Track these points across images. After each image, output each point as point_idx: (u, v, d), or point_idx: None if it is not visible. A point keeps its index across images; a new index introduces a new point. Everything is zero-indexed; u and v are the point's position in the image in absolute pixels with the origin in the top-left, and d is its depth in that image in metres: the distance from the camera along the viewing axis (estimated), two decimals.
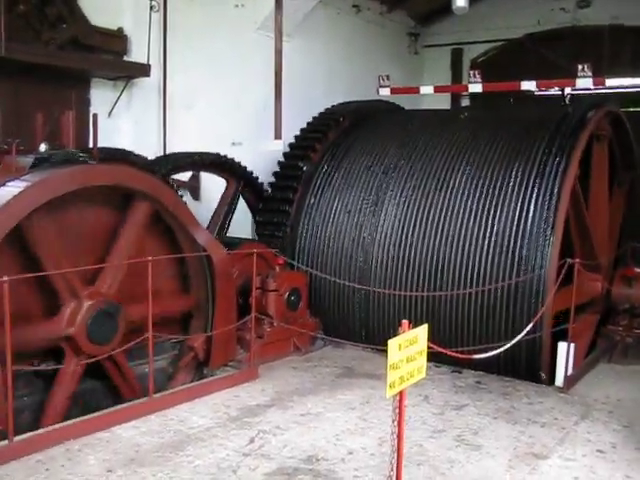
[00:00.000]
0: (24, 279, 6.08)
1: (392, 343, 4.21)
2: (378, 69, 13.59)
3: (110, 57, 10.71)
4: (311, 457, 5.85)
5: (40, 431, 5.93)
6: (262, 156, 11.27)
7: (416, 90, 12.75)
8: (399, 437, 4.47)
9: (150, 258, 6.46)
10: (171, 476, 5.45)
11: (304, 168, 10.19)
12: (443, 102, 15.47)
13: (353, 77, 14.80)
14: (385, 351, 4.16)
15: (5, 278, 5.33)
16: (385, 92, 12.26)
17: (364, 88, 13.15)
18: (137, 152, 9.99)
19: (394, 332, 4.37)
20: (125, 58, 10.95)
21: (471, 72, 11.70)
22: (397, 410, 4.43)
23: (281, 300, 8.52)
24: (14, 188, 6.13)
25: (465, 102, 16.80)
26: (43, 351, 6.59)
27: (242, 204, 11.18)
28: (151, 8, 10.93)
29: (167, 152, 10.74)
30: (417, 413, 6.84)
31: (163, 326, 7.22)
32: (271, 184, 10.61)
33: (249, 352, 7.84)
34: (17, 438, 5.62)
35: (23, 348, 5.97)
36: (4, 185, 6.32)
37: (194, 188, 11.04)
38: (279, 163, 10.68)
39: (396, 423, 4.45)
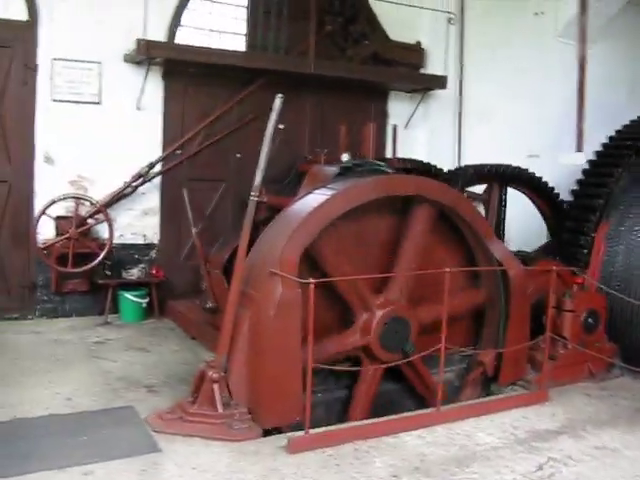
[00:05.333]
0: (319, 295, 6.11)
1: None
2: None
3: (407, 70, 11.01)
4: None
5: (332, 427, 6.15)
6: (561, 169, 10.72)
7: None
8: None
9: (448, 269, 6.41)
10: None
11: (610, 185, 9.23)
12: None
13: None
14: None
15: (312, 280, 5.60)
16: None
17: None
18: (432, 163, 10.20)
19: None
20: (421, 71, 11.18)
21: None
22: None
23: (578, 321, 8.00)
24: (321, 196, 6.45)
25: None
26: None
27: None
28: (449, 21, 11.07)
29: (462, 164, 10.75)
30: None
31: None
32: (572, 201, 9.90)
33: (540, 373, 7.48)
34: (312, 431, 5.88)
35: (322, 360, 6.16)
36: (311, 193, 6.73)
37: (488, 201, 10.84)
38: (579, 180, 9.93)
39: None
